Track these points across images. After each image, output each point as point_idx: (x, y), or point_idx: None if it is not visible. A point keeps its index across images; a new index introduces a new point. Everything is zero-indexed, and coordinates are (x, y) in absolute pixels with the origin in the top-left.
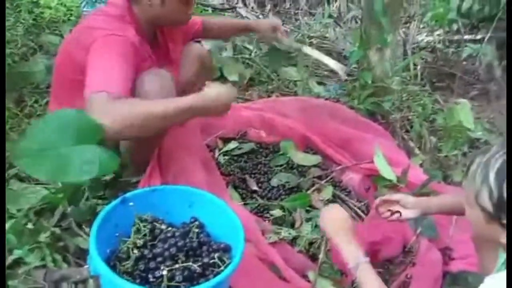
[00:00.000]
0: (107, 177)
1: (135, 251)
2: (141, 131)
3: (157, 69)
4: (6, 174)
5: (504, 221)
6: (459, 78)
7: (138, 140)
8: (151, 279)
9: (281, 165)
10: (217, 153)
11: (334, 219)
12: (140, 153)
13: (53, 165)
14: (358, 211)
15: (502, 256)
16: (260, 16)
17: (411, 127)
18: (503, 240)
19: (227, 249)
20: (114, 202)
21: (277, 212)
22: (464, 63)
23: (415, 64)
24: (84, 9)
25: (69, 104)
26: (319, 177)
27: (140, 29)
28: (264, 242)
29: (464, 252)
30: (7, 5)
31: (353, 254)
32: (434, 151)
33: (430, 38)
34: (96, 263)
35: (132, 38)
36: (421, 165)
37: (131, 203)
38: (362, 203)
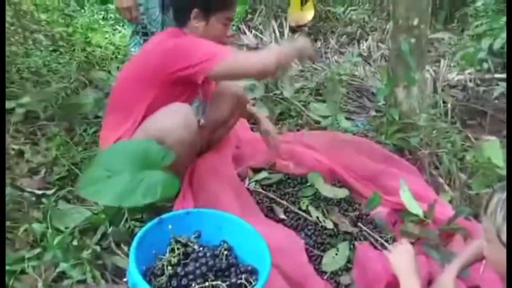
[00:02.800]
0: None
1: (169, 268)
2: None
3: (178, 104)
4: (55, 195)
5: None
6: (491, 116)
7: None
8: None
9: (308, 196)
10: (247, 183)
11: (400, 257)
12: None
13: (119, 190)
14: (385, 243)
15: None
16: None
17: (440, 163)
18: None
19: (253, 272)
20: (152, 222)
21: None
22: (496, 101)
23: (444, 102)
24: (132, 49)
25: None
26: (346, 210)
27: None
28: (309, 269)
29: None
30: (64, 43)
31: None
32: (464, 188)
33: (461, 77)
34: (134, 277)
35: None
36: (450, 202)
37: (170, 226)
38: (389, 236)
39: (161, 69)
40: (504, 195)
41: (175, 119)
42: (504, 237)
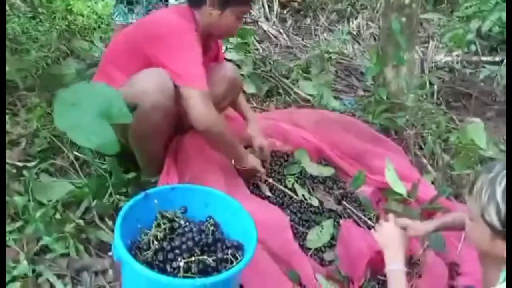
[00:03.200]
0: (130, 176)
1: (155, 242)
2: (214, 141)
3: (156, 68)
4: (37, 168)
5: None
6: (476, 98)
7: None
8: (168, 269)
9: (293, 174)
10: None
11: (388, 234)
12: (149, 146)
13: (72, 121)
14: (368, 221)
15: (503, 275)
16: (281, 30)
17: (425, 144)
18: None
19: (239, 247)
20: (137, 197)
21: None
22: (482, 84)
23: (431, 83)
24: (117, 19)
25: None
26: (331, 188)
27: (197, 30)
28: (294, 246)
29: (471, 269)
30: (43, 11)
31: (395, 260)
32: (447, 168)
33: (449, 58)
34: (119, 250)
35: (195, 33)
36: (433, 182)
37: (155, 201)
38: (372, 214)
39: (141, 41)
40: (490, 175)
41: (151, 82)
42: (487, 216)
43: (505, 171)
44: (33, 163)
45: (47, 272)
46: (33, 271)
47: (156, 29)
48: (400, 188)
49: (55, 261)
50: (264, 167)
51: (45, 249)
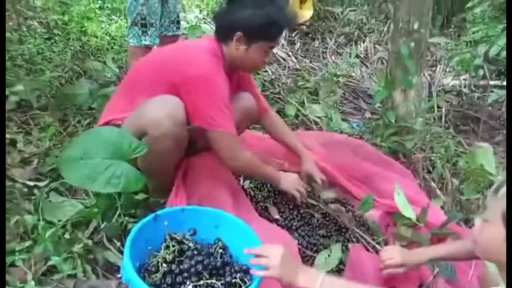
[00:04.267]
0: (139, 197)
1: (164, 265)
2: (245, 174)
3: (168, 96)
4: (47, 187)
5: None
6: (484, 122)
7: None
8: None
9: None
10: (241, 181)
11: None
12: (158, 173)
13: (86, 173)
14: (377, 246)
15: None
16: (289, 53)
17: (433, 168)
18: None
19: (248, 271)
20: (147, 218)
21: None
22: (490, 108)
23: (439, 107)
24: (131, 40)
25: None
26: (339, 211)
27: (224, 65)
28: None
29: None
30: (58, 32)
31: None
32: (456, 193)
33: (456, 82)
34: (128, 272)
35: (225, 75)
36: (442, 207)
37: (166, 223)
38: (381, 239)
39: (172, 75)
40: None
41: (162, 110)
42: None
43: None
44: (44, 183)
45: None
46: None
47: (188, 70)
48: (410, 212)
49: (62, 281)
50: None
51: (53, 270)
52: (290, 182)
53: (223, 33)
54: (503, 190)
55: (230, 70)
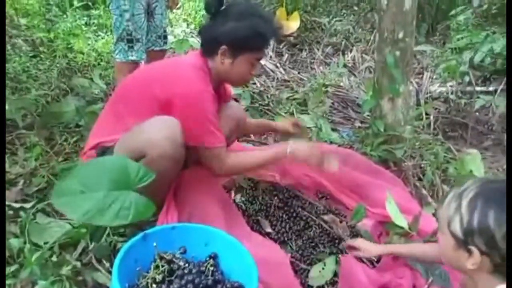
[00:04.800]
0: None
1: (154, 286)
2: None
3: (165, 117)
4: (34, 208)
5: (470, 247)
6: (472, 128)
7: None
8: None
9: (294, 209)
10: (233, 195)
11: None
12: (154, 193)
13: (91, 208)
14: (371, 257)
15: None
16: (278, 64)
17: (424, 175)
18: (469, 266)
19: None
20: (136, 238)
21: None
22: (477, 113)
23: (427, 114)
24: (117, 56)
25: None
26: (332, 221)
27: (211, 79)
28: (295, 285)
29: None
30: (44, 49)
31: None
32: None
33: (443, 89)
34: None
35: (212, 91)
36: (433, 214)
37: (154, 244)
38: None
39: (159, 93)
40: (459, 190)
41: (160, 131)
42: (452, 227)
43: (472, 186)
44: (30, 204)
45: None
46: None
47: (176, 88)
48: (402, 221)
49: None
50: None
51: None
52: (303, 150)
53: (208, 47)
54: (448, 199)
55: (217, 83)
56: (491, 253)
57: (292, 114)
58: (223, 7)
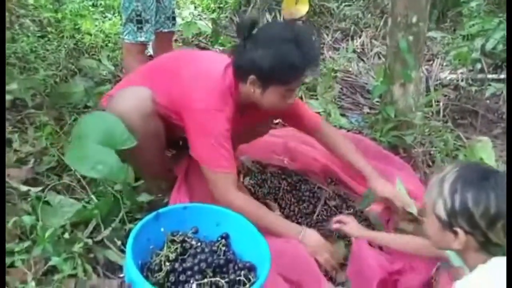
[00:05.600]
0: (143, 198)
1: (167, 264)
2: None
3: (138, 88)
4: (45, 185)
5: (455, 228)
6: (482, 116)
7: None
8: None
9: (303, 193)
10: (241, 178)
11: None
12: (145, 172)
13: (77, 154)
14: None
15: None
16: None
17: (433, 162)
18: (456, 246)
19: (252, 268)
20: (148, 217)
21: None
22: (487, 101)
23: (437, 101)
24: (126, 37)
25: None
26: (340, 207)
27: (236, 101)
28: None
29: None
30: (52, 30)
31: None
32: None
33: (453, 76)
34: (131, 272)
35: (229, 113)
36: None
37: (162, 229)
38: None
39: (175, 94)
40: (441, 175)
41: (128, 102)
42: (437, 210)
43: (453, 170)
44: (41, 183)
45: None
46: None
47: (192, 99)
48: (411, 206)
49: (63, 282)
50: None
51: (53, 270)
52: (312, 245)
53: (239, 74)
54: (430, 184)
55: (245, 107)
56: (474, 232)
57: (301, 98)
58: (256, 30)
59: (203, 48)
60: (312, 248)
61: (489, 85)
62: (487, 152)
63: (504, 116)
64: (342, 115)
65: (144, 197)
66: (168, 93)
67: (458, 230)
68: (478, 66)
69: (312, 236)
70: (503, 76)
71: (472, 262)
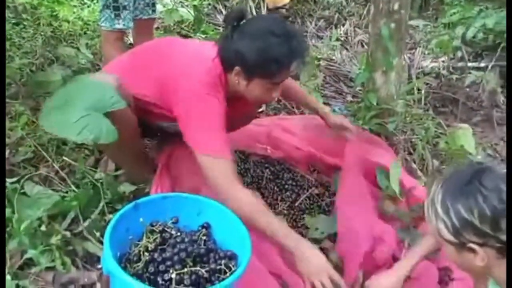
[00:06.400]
0: (125, 189)
1: (146, 254)
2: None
3: (105, 75)
4: (20, 176)
5: (469, 245)
6: (462, 103)
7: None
8: (160, 282)
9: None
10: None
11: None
12: (120, 162)
13: (60, 120)
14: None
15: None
16: None
17: (414, 149)
18: (479, 263)
19: (233, 257)
20: (127, 207)
21: None
22: (468, 89)
23: (419, 89)
24: (103, 24)
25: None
26: (323, 194)
27: (225, 89)
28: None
29: (463, 274)
30: (27, 17)
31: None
32: (437, 174)
33: (435, 64)
34: (109, 263)
35: (221, 99)
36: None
37: (141, 219)
38: None
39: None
40: (429, 199)
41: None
42: (442, 235)
43: (438, 189)
44: (17, 174)
45: (32, 287)
46: (17, 286)
47: (184, 83)
48: (396, 187)
49: (40, 275)
50: None
51: (30, 263)
52: (312, 266)
53: (225, 65)
54: (425, 212)
55: (233, 97)
56: (487, 241)
57: None
58: (243, 21)
59: (185, 36)
60: (305, 268)
61: (469, 73)
62: (467, 139)
63: (483, 104)
64: (326, 103)
65: (125, 187)
66: (151, 81)
67: (472, 246)
68: (459, 54)
69: (314, 256)
70: (483, 64)
71: (502, 274)
